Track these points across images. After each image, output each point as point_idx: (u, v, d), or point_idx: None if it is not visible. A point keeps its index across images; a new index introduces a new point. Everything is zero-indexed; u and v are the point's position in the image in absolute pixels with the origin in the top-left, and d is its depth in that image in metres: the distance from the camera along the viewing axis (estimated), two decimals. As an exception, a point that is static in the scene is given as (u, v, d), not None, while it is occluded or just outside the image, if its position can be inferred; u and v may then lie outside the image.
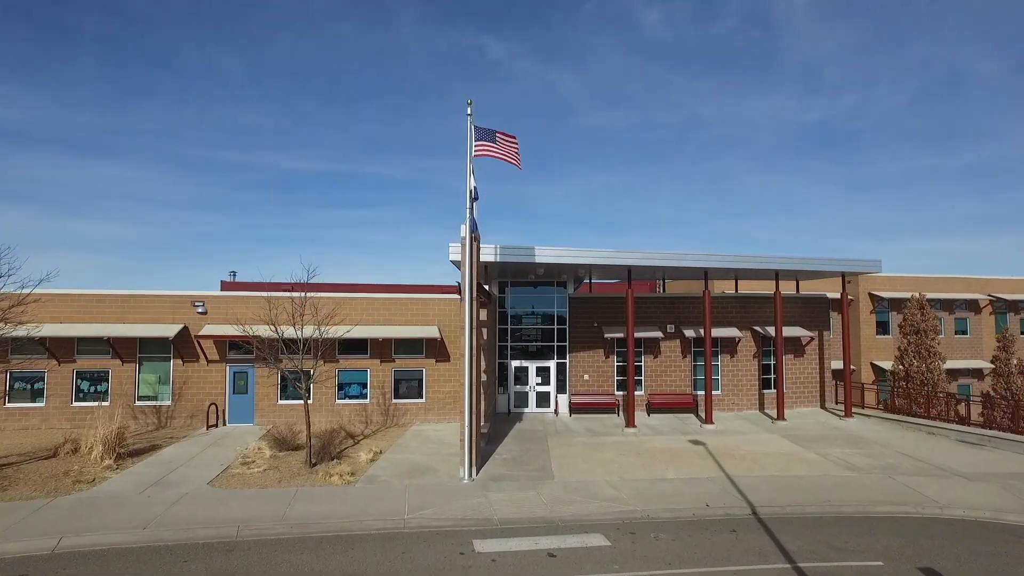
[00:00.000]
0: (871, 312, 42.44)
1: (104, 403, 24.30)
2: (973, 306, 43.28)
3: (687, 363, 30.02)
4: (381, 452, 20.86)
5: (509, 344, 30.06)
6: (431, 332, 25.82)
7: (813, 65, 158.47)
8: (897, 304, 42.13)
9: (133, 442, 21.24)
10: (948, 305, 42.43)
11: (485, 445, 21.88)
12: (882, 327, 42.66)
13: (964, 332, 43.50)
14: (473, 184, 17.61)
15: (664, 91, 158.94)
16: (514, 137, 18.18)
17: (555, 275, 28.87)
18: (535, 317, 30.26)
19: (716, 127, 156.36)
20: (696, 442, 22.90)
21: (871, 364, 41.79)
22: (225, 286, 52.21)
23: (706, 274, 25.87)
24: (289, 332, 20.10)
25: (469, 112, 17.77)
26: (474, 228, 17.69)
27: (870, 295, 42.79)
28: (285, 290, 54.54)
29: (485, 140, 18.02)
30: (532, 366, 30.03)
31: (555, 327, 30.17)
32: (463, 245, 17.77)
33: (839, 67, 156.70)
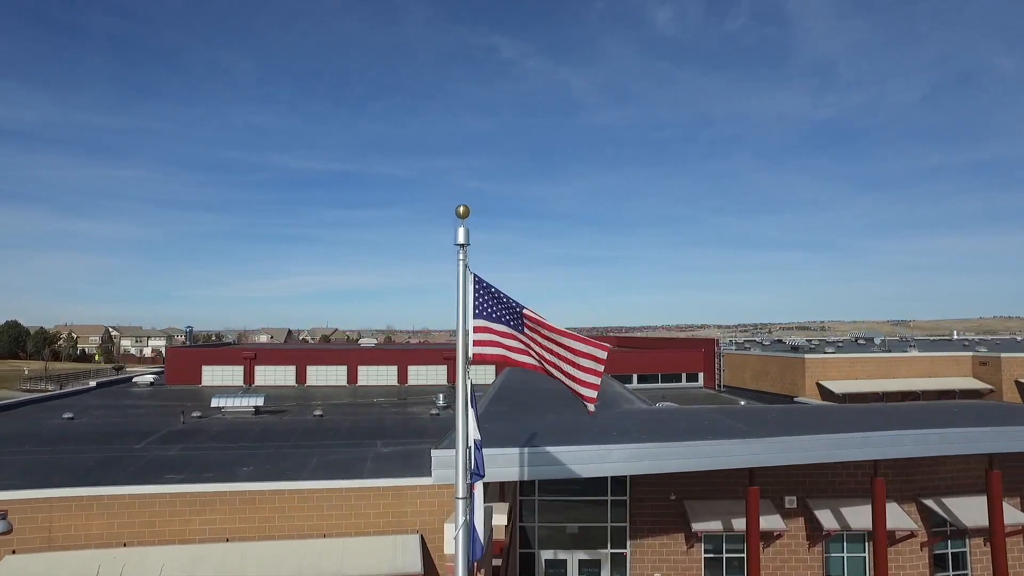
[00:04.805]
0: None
1: None
2: None
3: (816, 555, 19.06)
4: None
5: (536, 524, 19.25)
6: (407, 560, 14.99)
7: (824, 63, 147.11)
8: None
9: None
10: None
11: None
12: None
13: None
14: (475, 435, 6.85)
15: (673, 89, 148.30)
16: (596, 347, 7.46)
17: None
18: (578, 483, 19.41)
19: (725, 125, 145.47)
20: None
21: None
22: (170, 356, 41.81)
23: (877, 466, 14.81)
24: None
25: (462, 255, 7.05)
26: (477, 555, 6.87)
27: (1016, 383, 31.96)
28: (247, 358, 43.77)
29: (501, 318, 7.25)
30: (573, 558, 19.21)
31: (608, 498, 19.31)
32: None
33: (850, 64, 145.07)
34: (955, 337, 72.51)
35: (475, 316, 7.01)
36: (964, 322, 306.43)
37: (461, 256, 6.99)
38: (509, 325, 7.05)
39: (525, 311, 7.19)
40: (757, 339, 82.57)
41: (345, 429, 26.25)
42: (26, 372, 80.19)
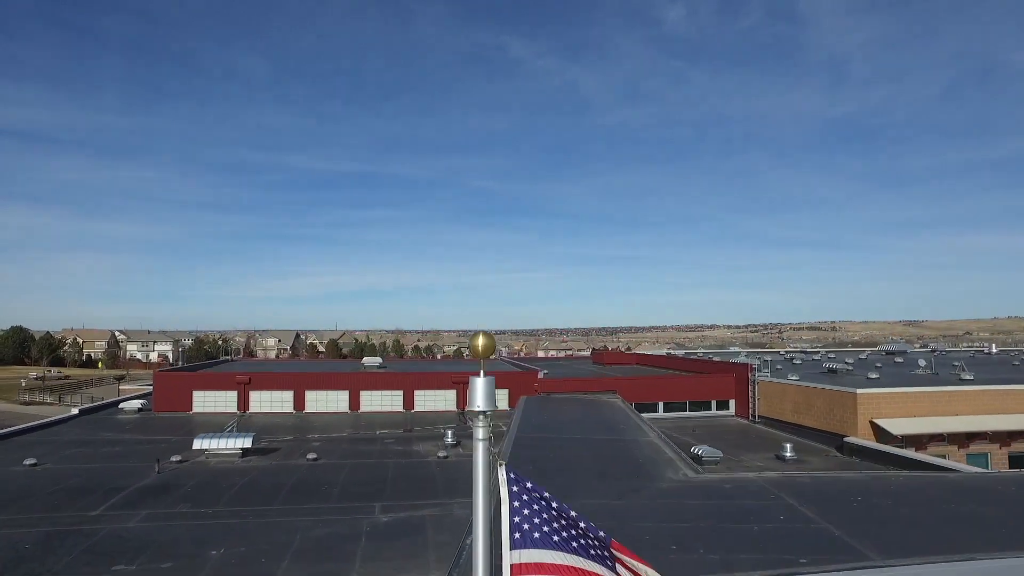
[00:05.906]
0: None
1: None
2: None
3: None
4: None
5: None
6: None
7: (839, 59, 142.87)
8: None
9: None
10: None
11: None
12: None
13: None
14: None
15: (686, 87, 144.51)
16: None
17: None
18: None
19: (739, 123, 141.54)
20: None
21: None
22: (158, 381, 38.81)
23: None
24: None
25: (481, 431, 3.68)
26: None
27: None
28: (241, 383, 40.69)
29: (566, 542, 3.77)
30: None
31: None
32: None
33: (866, 61, 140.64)
34: (994, 350, 68.41)
35: (513, 546, 3.67)
36: (977, 322, 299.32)
37: (481, 434, 3.74)
38: (587, 555, 3.70)
39: (615, 544, 3.80)
40: (780, 351, 78.91)
41: (340, 481, 23.09)
42: (23, 383, 77.77)
